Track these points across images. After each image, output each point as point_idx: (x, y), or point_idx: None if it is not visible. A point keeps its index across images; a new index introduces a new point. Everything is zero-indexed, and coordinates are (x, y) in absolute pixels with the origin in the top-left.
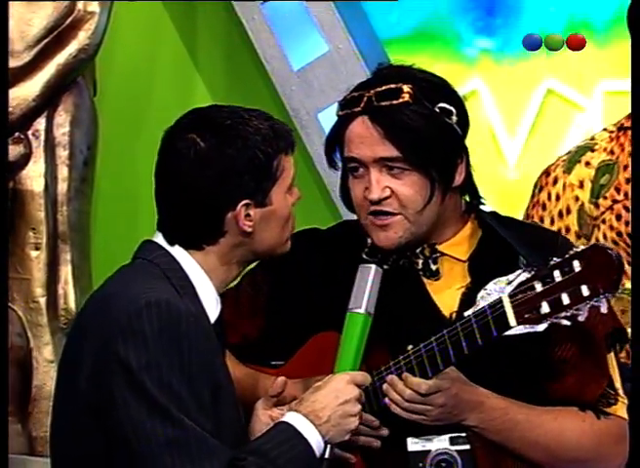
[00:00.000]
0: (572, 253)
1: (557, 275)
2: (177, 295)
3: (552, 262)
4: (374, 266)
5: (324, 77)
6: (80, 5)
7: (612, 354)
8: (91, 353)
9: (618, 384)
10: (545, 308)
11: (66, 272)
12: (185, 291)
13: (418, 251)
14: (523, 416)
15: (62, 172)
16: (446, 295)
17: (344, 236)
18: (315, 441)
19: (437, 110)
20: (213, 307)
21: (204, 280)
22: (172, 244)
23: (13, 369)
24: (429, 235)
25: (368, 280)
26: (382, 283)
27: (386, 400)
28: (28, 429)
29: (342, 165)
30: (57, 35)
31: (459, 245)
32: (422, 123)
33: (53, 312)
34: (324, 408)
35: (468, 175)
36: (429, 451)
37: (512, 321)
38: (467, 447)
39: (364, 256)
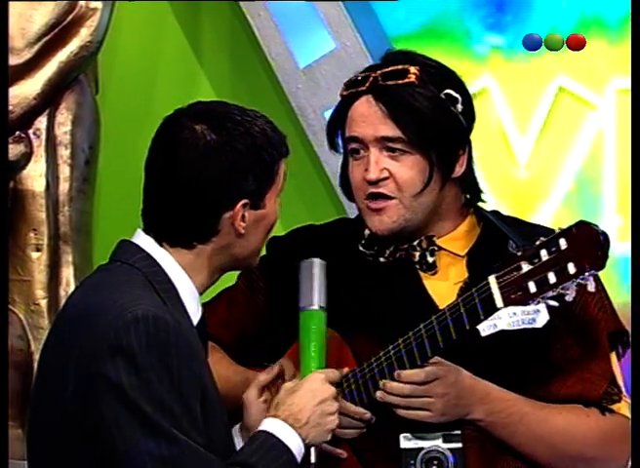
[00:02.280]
0: (558, 231)
1: (544, 254)
2: (163, 306)
3: (539, 242)
4: (316, 260)
5: (331, 75)
6: (82, 2)
7: (614, 353)
8: (76, 369)
9: (621, 382)
10: (532, 288)
11: (68, 273)
12: (169, 295)
13: (415, 243)
14: (529, 409)
15: (64, 171)
16: (443, 290)
17: (341, 230)
18: (296, 445)
19: (442, 96)
20: (195, 309)
21: (186, 282)
22: (159, 241)
23: (13, 371)
24: (427, 227)
25: (314, 275)
26: (376, 275)
27: (383, 397)
28: None
29: (344, 149)
30: (58, 32)
31: (457, 239)
32: (426, 105)
33: (54, 314)
34: (302, 409)
35: (470, 170)
36: (422, 449)
37: (499, 302)
38: (459, 445)
39: (361, 249)
